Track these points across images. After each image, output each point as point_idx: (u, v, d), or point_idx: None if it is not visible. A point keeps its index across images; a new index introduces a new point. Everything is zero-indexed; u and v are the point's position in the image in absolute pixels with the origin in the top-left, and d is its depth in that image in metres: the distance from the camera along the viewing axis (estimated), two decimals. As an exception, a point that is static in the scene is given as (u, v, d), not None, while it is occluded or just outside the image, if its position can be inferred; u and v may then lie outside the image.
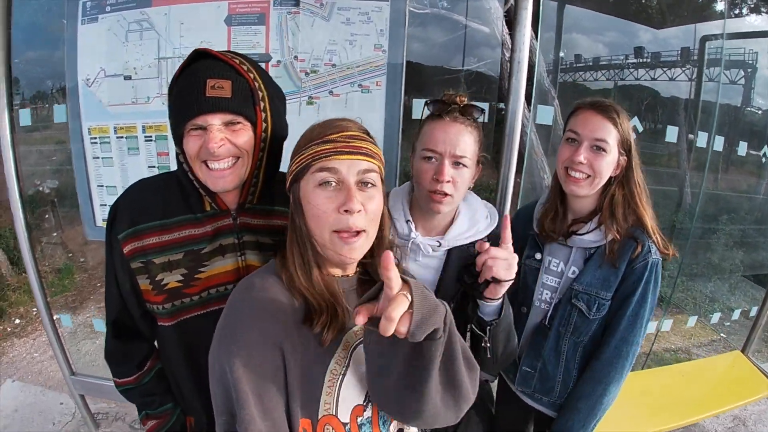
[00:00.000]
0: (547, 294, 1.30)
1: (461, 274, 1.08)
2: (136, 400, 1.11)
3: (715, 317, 3.15)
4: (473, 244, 1.14)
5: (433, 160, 1.06)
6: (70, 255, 4.36)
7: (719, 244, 4.22)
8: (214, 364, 0.73)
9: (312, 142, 0.77)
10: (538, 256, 1.31)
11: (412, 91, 1.74)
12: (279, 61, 1.58)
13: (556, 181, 1.27)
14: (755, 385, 2.30)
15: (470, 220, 1.17)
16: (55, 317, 2.17)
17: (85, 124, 1.71)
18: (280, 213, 1.01)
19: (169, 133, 1.62)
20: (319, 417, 0.74)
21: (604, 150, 1.14)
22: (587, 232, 1.22)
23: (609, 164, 1.16)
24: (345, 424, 0.75)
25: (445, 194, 1.06)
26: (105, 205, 1.79)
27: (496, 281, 0.94)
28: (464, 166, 1.06)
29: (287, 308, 0.76)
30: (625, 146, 1.16)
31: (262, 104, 0.90)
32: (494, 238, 1.14)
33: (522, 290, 1.33)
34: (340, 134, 0.76)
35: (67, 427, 2.43)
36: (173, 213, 0.96)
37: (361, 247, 0.77)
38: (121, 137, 1.68)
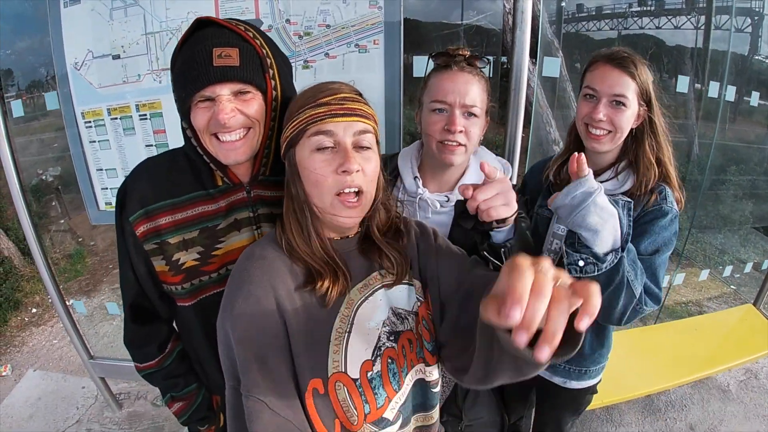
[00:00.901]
0: (557, 244, 1.26)
1: (457, 222, 1.05)
2: (159, 384, 1.10)
3: (727, 270, 3.13)
4: None
5: (444, 111, 1.04)
6: (80, 240, 4.39)
7: (728, 196, 4.17)
8: (220, 332, 0.76)
9: (305, 107, 0.76)
10: None
11: (411, 49, 1.68)
12: (270, 26, 1.51)
13: (573, 134, 1.23)
14: (767, 338, 2.30)
15: (480, 172, 1.13)
16: (69, 303, 2.19)
17: (78, 108, 1.67)
18: None
19: (165, 110, 1.59)
20: (330, 375, 0.75)
21: (623, 104, 1.10)
22: (605, 180, 1.17)
23: (629, 118, 1.11)
24: (355, 380, 0.76)
25: (458, 143, 1.04)
26: (106, 188, 1.77)
27: (502, 221, 0.86)
28: (475, 115, 1.04)
29: (286, 273, 0.77)
30: (645, 97, 1.11)
31: (271, 71, 0.86)
32: None
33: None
34: (333, 96, 0.75)
35: (91, 410, 2.48)
36: (184, 190, 0.92)
37: (361, 209, 0.78)
38: (116, 118, 1.64)
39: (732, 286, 3.65)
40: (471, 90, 1.02)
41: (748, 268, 3.20)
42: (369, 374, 0.78)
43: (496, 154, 1.77)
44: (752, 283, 3.31)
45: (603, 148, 1.14)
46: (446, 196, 1.12)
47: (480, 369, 0.66)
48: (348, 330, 0.78)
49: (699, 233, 4.06)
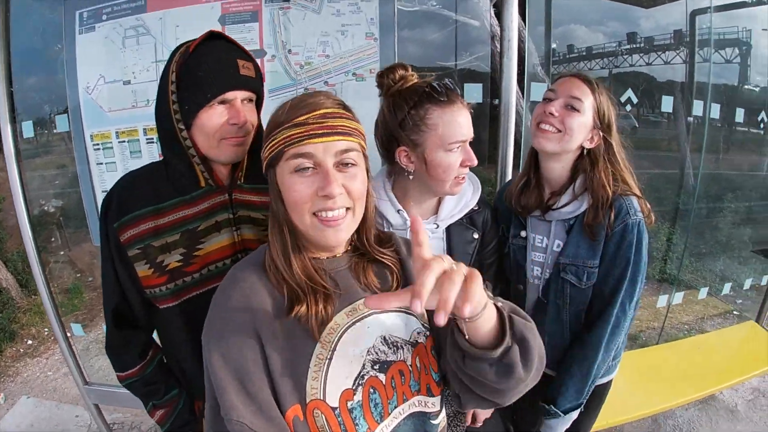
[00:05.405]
0: (537, 270, 1.30)
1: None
2: (140, 391, 1.12)
3: (726, 287, 3.12)
4: (468, 216, 1.17)
5: (459, 148, 1.02)
6: (79, 275, 4.39)
7: (726, 223, 4.19)
8: (203, 355, 0.74)
9: (282, 126, 0.71)
10: (523, 233, 1.30)
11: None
12: (273, 56, 1.61)
13: (532, 155, 1.28)
14: (772, 353, 2.28)
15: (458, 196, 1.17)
16: (69, 334, 2.18)
17: (87, 131, 1.74)
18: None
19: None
20: (307, 402, 0.72)
21: (577, 110, 1.13)
22: (564, 205, 1.21)
23: (581, 126, 1.14)
24: (334, 409, 0.73)
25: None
26: (110, 210, 1.82)
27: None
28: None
29: (266, 298, 0.75)
30: (601, 118, 1.15)
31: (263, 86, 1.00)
32: (481, 204, 1.19)
33: (515, 269, 1.34)
34: (311, 114, 0.71)
35: (84, 440, 2.43)
36: (165, 198, 0.98)
37: (347, 228, 0.75)
38: (123, 141, 1.71)
39: (735, 312, 3.62)
40: (471, 122, 1.03)
41: (747, 285, 3.18)
42: (349, 404, 0.74)
43: (489, 193, 1.82)
44: (755, 308, 3.30)
45: (549, 146, 1.16)
46: (435, 223, 1.13)
47: (457, 388, 0.78)
48: (329, 357, 0.74)
49: (697, 261, 4.06)
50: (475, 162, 1.03)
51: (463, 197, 1.16)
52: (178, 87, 0.92)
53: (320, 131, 0.70)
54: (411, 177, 1.07)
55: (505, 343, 0.64)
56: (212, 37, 0.94)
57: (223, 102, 0.92)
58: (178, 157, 0.97)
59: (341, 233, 0.75)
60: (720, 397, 2.52)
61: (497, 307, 0.66)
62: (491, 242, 1.26)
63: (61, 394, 2.99)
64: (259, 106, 1.02)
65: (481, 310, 0.61)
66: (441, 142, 1.00)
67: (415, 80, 1.04)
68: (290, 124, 0.70)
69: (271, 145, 0.73)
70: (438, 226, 1.13)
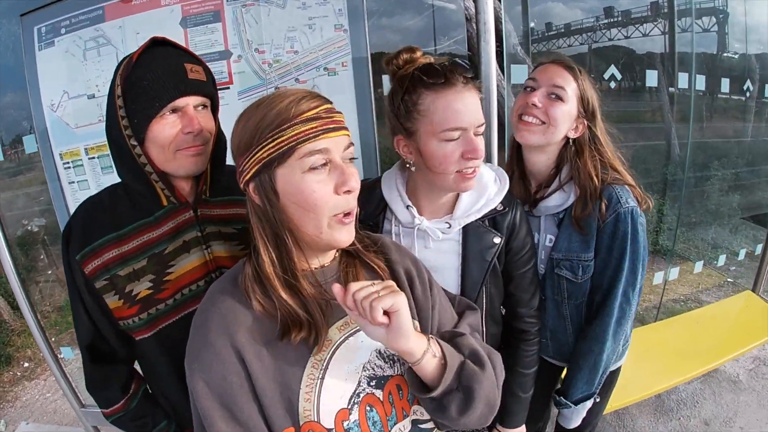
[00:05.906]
0: None
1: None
2: (129, 427, 1.07)
3: (721, 260, 3.13)
4: (489, 215, 1.04)
5: (458, 138, 0.92)
6: (69, 292, 4.33)
7: (714, 191, 4.21)
8: (187, 382, 0.71)
9: (289, 123, 0.65)
10: None
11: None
12: (240, 56, 1.54)
13: (513, 143, 1.24)
14: (771, 322, 2.28)
15: (477, 188, 1.03)
16: (60, 355, 2.14)
17: (56, 150, 1.67)
18: (238, 201, 0.99)
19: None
20: (301, 424, 0.69)
21: (561, 99, 1.09)
22: (549, 195, 1.18)
23: (565, 115, 1.10)
24: (330, 430, 0.70)
25: (475, 169, 0.96)
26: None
27: None
28: (481, 135, 0.94)
29: (248, 317, 0.70)
30: (585, 105, 1.11)
31: (217, 90, 0.95)
32: (508, 204, 1.06)
33: None
34: (320, 109, 0.68)
35: (85, 462, 2.39)
36: (126, 222, 0.93)
37: (353, 225, 0.73)
38: (93, 158, 1.64)
39: (729, 279, 3.64)
40: (478, 108, 0.92)
41: (742, 255, 3.20)
42: (345, 424, 0.71)
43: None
44: (749, 274, 3.32)
45: (533, 139, 1.13)
46: (447, 222, 1.02)
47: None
48: (321, 376, 0.70)
49: (689, 231, 4.08)
50: (480, 155, 0.91)
51: (483, 195, 1.03)
52: (125, 100, 0.86)
53: (332, 125, 0.67)
54: (414, 169, 1.00)
55: (436, 392, 0.70)
56: (156, 44, 0.88)
57: (174, 110, 0.86)
58: (134, 175, 0.91)
59: (352, 233, 0.72)
60: (722, 369, 2.53)
61: (443, 356, 0.72)
62: (522, 250, 1.09)
63: (62, 416, 2.96)
64: (215, 111, 0.96)
65: (420, 357, 0.69)
66: (433, 130, 0.91)
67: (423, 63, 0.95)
68: (301, 120, 0.66)
69: (273, 144, 0.66)
70: (450, 226, 1.01)
